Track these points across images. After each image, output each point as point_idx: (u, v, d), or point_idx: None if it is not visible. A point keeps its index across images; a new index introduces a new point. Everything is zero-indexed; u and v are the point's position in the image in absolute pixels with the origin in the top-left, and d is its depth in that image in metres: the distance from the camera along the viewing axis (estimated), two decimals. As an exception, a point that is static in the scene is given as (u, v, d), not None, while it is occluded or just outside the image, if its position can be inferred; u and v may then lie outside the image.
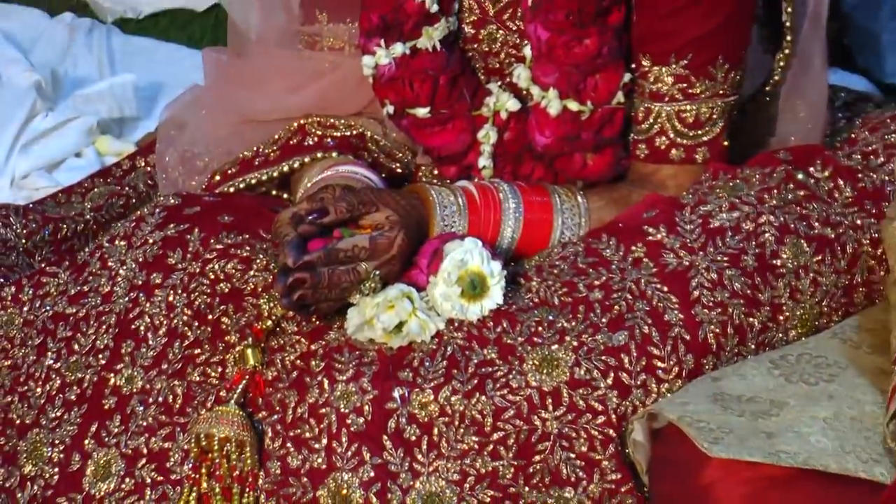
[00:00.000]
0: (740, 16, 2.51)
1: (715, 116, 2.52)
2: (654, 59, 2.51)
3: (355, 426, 2.29)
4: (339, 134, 2.61)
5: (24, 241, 2.68)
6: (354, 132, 2.62)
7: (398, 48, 2.52)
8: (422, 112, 2.54)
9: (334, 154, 2.59)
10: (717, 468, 2.13)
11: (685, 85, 2.50)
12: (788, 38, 2.60)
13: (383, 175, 2.59)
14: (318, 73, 2.63)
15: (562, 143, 2.51)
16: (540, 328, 2.34)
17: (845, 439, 2.16)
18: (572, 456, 2.30)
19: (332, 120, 2.62)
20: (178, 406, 2.36)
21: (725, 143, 2.54)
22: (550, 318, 2.35)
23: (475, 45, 2.58)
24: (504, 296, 2.37)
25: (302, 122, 2.62)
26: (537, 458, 2.29)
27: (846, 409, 2.20)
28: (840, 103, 2.76)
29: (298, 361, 2.34)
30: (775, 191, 2.47)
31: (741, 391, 2.23)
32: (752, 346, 2.38)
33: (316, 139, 2.60)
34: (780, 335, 2.40)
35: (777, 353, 2.31)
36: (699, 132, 2.52)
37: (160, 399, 2.37)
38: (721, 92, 2.51)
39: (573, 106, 2.50)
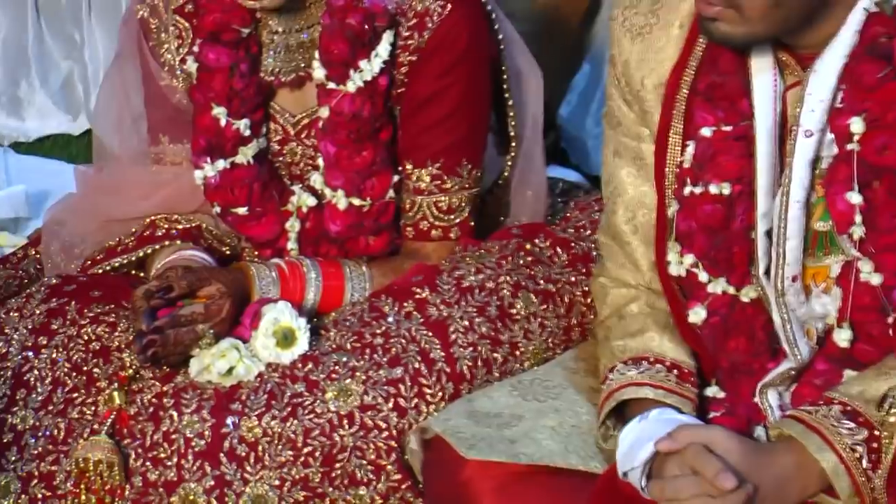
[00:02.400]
0: (477, 130, 2.55)
1: (463, 204, 2.54)
2: (414, 164, 2.53)
3: (198, 447, 2.30)
4: (181, 226, 2.59)
5: None
6: (193, 225, 2.59)
7: (221, 163, 2.51)
8: (241, 211, 2.53)
9: (178, 242, 2.56)
10: (473, 468, 2.16)
11: (439, 182, 2.53)
12: (514, 144, 2.63)
13: (216, 256, 2.57)
14: (164, 182, 2.61)
15: (349, 230, 2.52)
16: (337, 367, 2.35)
17: (568, 442, 2.19)
18: (364, 463, 2.31)
19: (175, 216, 2.59)
20: (61, 438, 2.35)
21: (472, 223, 2.56)
22: (344, 359, 2.36)
23: (280, 158, 2.57)
24: (309, 344, 2.37)
25: (153, 218, 2.60)
26: (338, 465, 2.31)
27: (568, 419, 2.23)
28: (558, 191, 2.77)
29: (154, 399, 2.34)
30: (510, 257, 2.50)
31: (489, 409, 2.25)
32: (497, 375, 2.39)
33: (164, 231, 2.58)
34: (518, 365, 2.41)
35: (515, 379, 2.33)
36: (452, 216, 2.54)
37: (48, 433, 2.36)
38: (467, 186, 2.54)
39: (356, 202, 2.51)
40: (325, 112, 2.48)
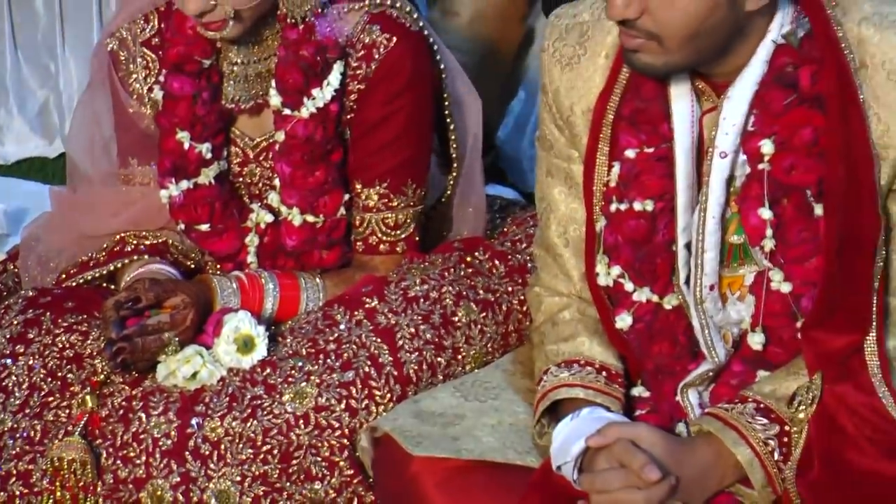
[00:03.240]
0: (421, 152, 2.54)
1: (409, 221, 2.54)
2: (363, 184, 2.52)
3: (165, 446, 2.29)
4: (148, 242, 2.57)
5: None
6: (160, 240, 2.58)
7: (185, 184, 2.50)
8: (204, 227, 2.52)
9: (146, 257, 2.55)
10: (419, 463, 2.15)
11: (386, 200, 2.52)
12: (455, 165, 2.63)
13: (181, 270, 2.56)
14: (132, 201, 2.59)
15: (304, 244, 2.52)
16: (293, 371, 2.34)
17: (506, 439, 2.19)
18: (319, 459, 2.30)
19: (143, 232, 2.58)
20: (38, 438, 2.33)
21: (417, 238, 2.56)
22: (300, 364, 2.35)
23: (241, 179, 2.57)
24: (267, 350, 2.37)
25: (122, 234, 2.58)
26: (294, 462, 2.30)
27: (506, 417, 2.23)
28: (496, 207, 2.76)
29: (124, 402, 2.33)
30: (452, 269, 2.50)
31: (434, 409, 2.25)
32: (441, 377, 2.39)
33: (133, 246, 2.56)
34: (460, 368, 2.41)
35: (458, 381, 2.34)
36: (398, 232, 2.54)
37: (25, 434, 2.34)
38: (412, 204, 2.53)
39: (310, 218, 2.50)
40: (280, 136, 2.48)
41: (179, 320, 2.37)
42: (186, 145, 2.48)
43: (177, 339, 2.36)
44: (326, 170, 2.48)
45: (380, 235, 2.54)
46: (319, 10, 2.43)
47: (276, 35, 2.45)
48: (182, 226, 2.53)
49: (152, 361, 2.36)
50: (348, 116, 2.49)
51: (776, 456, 2.07)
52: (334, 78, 2.44)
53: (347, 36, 2.45)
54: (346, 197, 2.52)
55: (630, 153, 2.15)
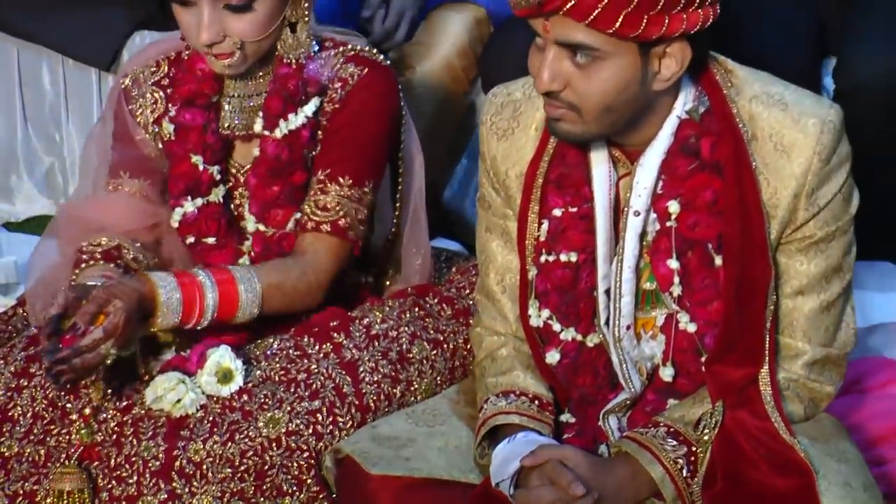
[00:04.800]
0: (365, 157, 2.46)
1: (338, 209, 2.43)
2: (313, 174, 2.46)
3: (154, 467, 2.26)
4: (102, 249, 2.45)
5: None
6: (113, 245, 2.45)
7: (199, 201, 2.48)
8: (211, 240, 2.48)
9: (101, 263, 2.42)
10: (376, 481, 2.15)
11: (322, 185, 2.44)
12: (398, 203, 2.57)
13: (130, 273, 2.41)
14: (117, 200, 2.52)
15: (262, 254, 2.46)
16: (267, 399, 2.31)
17: (452, 459, 2.19)
18: (289, 477, 2.28)
19: (99, 240, 2.45)
20: (41, 462, 2.30)
21: (350, 234, 2.44)
22: (273, 391, 2.33)
23: (234, 200, 2.52)
24: (244, 380, 2.33)
25: (82, 245, 2.46)
26: (268, 479, 2.27)
27: (452, 440, 2.23)
28: (443, 258, 2.74)
29: (116, 428, 2.30)
30: (407, 312, 2.48)
31: (389, 433, 2.24)
32: (396, 406, 2.37)
33: (89, 254, 2.45)
34: (412, 398, 2.39)
35: (410, 409, 2.32)
36: (326, 214, 2.42)
37: (30, 459, 2.31)
38: (343, 195, 2.43)
39: (261, 227, 2.47)
40: (256, 151, 2.48)
41: (112, 330, 2.22)
42: (200, 168, 2.47)
43: (113, 350, 2.23)
44: (283, 186, 2.45)
45: (309, 214, 2.44)
46: (312, 54, 2.45)
47: (269, 73, 2.46)
48: (191, 240, 2.48)
49: (96, 370, 2.27)
50: (320, 134, 2.47)
51: (685, 473, 2.08)
52: (309, 108, 2.44)
53: (329, 76, 2.46)
54: (297, 215, 2.46)
55: (557, 212, 2.16)
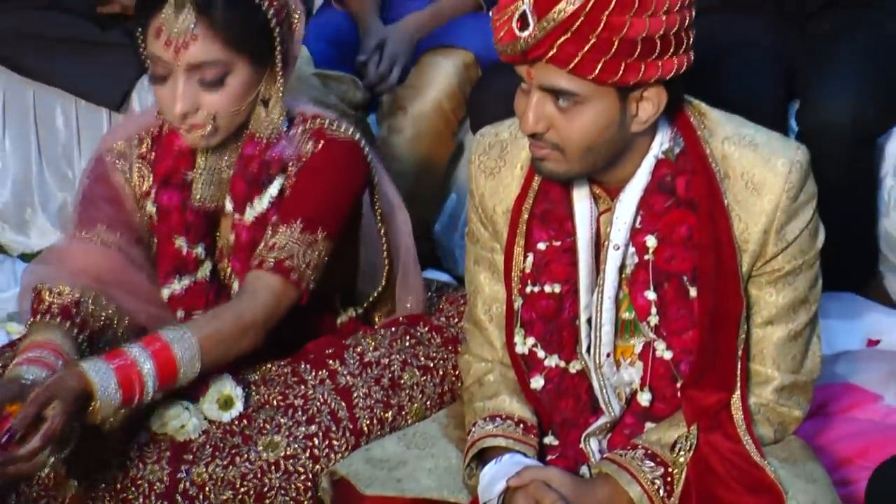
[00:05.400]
0: (321, 210, 2.37)
1: (287, 249, 2.32)
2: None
3: (159, 489, 2.24)
4: (60, 301, 2.29)
5: None
6: (74, 298, 2.29)
7: (186, 281, 2.42)
8: (198, 314, 2.39)
9: (57, 320, 2.26)
10: (370, 501, 2.15)
11: (274, 227, 2.34)
12: (387, 260, 2.52)
13: (87, 330, 2.28)
14: (93, 250, 2.39)
15: None
16: (266, 424, 2.30)
17: (442, 479, 2.19)
18: (288, 499, 2.26)
19: (60, 288, 2.29)
20: (51, 484, 2.23)
21: (294, 277, 2.32)
22: (272, 416, 2.31)
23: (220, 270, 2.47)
24: (244, 406, 2.33)
25: (41, 287, 2.30)
26: (267, 501, 2.26)
27: (442, 462, 2.22)
28: (433, 288, 2.71)
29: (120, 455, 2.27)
30: (399, 340, 2.47)
31: (382, 456, 2.24)
32: (388, 430, 2.35)
33: (47, 304, 2.28)
34: (404, 422, 2.38)
35: (402, 433, 2.32)
36: (273, 253, 2.31)
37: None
38: (293, 240, 2.33)
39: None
40: (232, 237, 2.42)
41: (49, 436, 2.05)
42: (185, 250, 2.41)
43: (51, 458, 2.07)
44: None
45: (257, 253, 2.33)
46: (282, 132, 2.38)
47: (238, 150, 2.40)
48: (181, 314, 2.41)
49: (36, 473, 2.14)
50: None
51: (661, 493, 2.08)
52: (274, 188, 2.37)
53: (290, 155, 2.38)
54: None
55: (541, 245, 2.16)
